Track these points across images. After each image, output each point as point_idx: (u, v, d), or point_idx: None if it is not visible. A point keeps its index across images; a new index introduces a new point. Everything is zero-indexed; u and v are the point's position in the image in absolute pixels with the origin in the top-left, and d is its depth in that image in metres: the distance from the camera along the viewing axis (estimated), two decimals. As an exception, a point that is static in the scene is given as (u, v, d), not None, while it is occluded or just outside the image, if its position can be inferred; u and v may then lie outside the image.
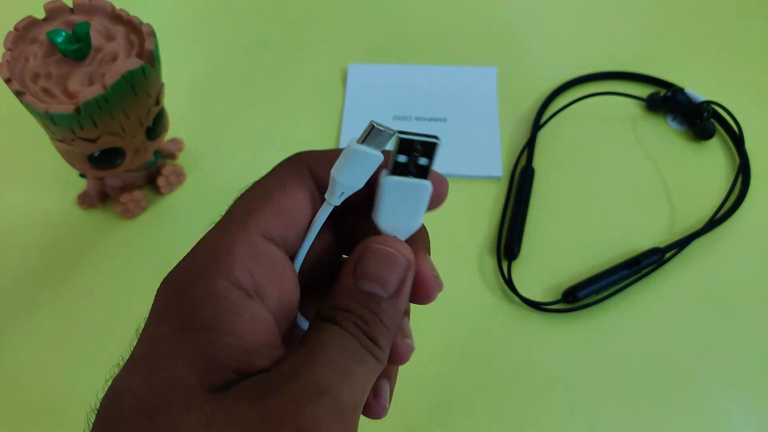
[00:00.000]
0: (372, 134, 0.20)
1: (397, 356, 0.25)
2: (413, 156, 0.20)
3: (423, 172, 0.20)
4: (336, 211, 0.21)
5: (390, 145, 0.20)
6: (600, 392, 0.40)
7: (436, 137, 0.20)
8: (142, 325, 0.19)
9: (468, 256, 0.45)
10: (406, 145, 0.20)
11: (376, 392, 0.24)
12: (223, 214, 0.21)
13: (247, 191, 0.21)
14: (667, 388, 0.40)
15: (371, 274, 0.20)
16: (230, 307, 0.18)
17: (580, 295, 0.42)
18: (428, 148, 0.20)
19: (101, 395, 0.19)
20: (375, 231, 0.21)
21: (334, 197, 0.21)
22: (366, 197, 0.22)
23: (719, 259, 0.45)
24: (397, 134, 0.20)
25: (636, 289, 0.43)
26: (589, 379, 0.40)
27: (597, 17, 0.58)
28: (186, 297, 0.18)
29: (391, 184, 0.20)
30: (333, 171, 0.20)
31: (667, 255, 0.44)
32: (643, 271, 0.43)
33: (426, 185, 0.21)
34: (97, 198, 0.45)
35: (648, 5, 0.60)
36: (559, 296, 0.43)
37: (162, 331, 0.18)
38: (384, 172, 0.21)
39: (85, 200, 0.45)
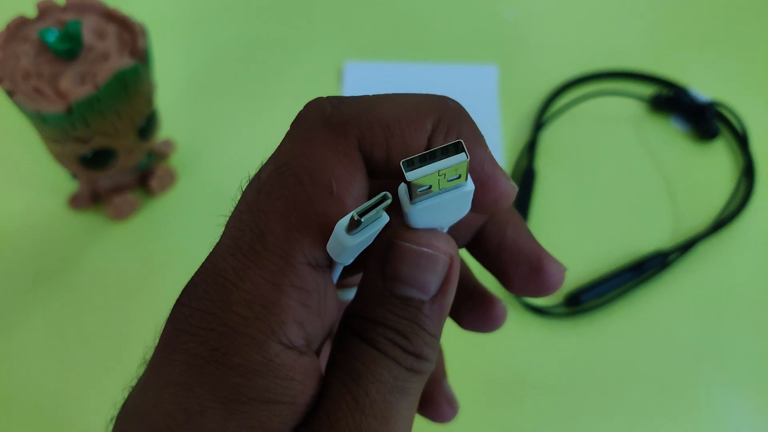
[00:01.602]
0: (361, 226, 0.15)
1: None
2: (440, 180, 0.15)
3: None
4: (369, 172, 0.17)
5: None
6: (603, 398, 0.39)
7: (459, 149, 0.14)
8: (148, 356, 0.17)
9: (468, 259, 0.44)
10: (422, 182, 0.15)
11: (441, 397, 0.23)
12: (220, 215, 0.17)
13: (273, 181, 0.16)
14: (671, 395, 0.39)
15: (405, 277, 0.16)
16: (284, 373, 0.15)
17: (583, 299, 0.41)
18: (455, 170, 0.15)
19: None
20: None
21: (340, 263, 0.17)
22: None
23: (724, 262, 0.44)
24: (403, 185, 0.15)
25: (640, 293, 0.42)
26: (592, 385, 0.40)
27: (600, 14, 0.58)
28: (231, 363, 0.15)
29: (415, 211, 0.16)
30: (330, 252, 0.16)
31: (671, 258, 0.43)
32: (647, 274, 0.43)
33: (463, 194, 0.16)
34: (89, 199, 0.45)
35: (652, 3, 0.59)
36: (561, 300, 0.42)
37: (202, 402, 0.15)
38: (402, 191, 0.16)
39: (76, 202, 0.45)
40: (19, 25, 0.37)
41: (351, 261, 0.16)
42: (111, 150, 0.39)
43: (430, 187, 0.15)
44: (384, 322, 0.16)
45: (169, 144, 0.47)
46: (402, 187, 0.16)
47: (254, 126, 0.50)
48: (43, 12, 0.38)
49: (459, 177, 0.15)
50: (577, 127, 0.50)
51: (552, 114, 0.50)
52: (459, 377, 0.40)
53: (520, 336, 0.41)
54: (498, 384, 0.40)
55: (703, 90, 0.51)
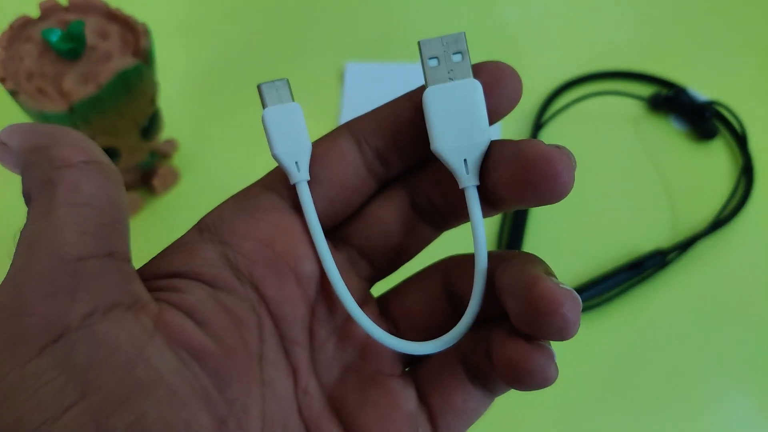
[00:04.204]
0: (266, 93, 0.19)
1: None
2: (445, 55, 0.18)
3: (463, 71, 0.18)
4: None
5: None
6: (601, 397, 0.39)
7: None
8: None
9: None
10: (429, 48, 0.18)
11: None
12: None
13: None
14: (670, 393, 0.39)
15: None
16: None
17: (581, 299, 0.41)
18: (455, 41, 0.18)
19: None
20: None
21: (298, 174, 0.19)
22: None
23: (723, 261, 0.44)
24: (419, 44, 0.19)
25: (638, 292, 0.43)
26: (591, 384, 0.40)
27: (599, 15, 0.58)
28: None
29: (433, 94, 0.18)
30: (272, 150, 0.19)
31: (670, 257, 0.44)
32: (645, 273, 0.43)
33: (471, 83, 0.18)
34: (92, 199, 0.45)
35: (652, 3, 0.59)
36: (560, 299, 0.42)
37: None
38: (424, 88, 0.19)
39: (80, 201, 0.45)
40: (23, 25, 0.37)
41: (306, 173, 0.20)
42: (113, 149, 0.39)
43: (441, 66, 0.18)
44: None
45: (171, 143, 0.47)
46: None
47: (256, 126, 0.50)
48: (46, 12, 0.38)
49: (461, 55, 0.18)
50: (577, 127, 0.50)
51: (552, 114, 0.50)
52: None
53: (520, 334, 0.41)
54: (498, 382, 0.40)
55: (701, 90, 0.51)
